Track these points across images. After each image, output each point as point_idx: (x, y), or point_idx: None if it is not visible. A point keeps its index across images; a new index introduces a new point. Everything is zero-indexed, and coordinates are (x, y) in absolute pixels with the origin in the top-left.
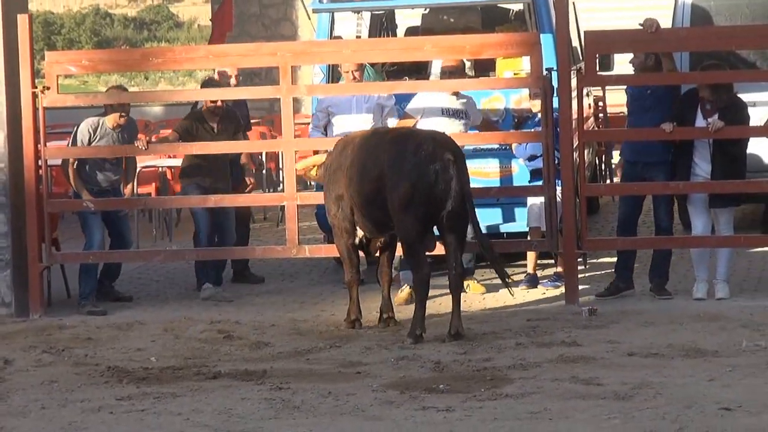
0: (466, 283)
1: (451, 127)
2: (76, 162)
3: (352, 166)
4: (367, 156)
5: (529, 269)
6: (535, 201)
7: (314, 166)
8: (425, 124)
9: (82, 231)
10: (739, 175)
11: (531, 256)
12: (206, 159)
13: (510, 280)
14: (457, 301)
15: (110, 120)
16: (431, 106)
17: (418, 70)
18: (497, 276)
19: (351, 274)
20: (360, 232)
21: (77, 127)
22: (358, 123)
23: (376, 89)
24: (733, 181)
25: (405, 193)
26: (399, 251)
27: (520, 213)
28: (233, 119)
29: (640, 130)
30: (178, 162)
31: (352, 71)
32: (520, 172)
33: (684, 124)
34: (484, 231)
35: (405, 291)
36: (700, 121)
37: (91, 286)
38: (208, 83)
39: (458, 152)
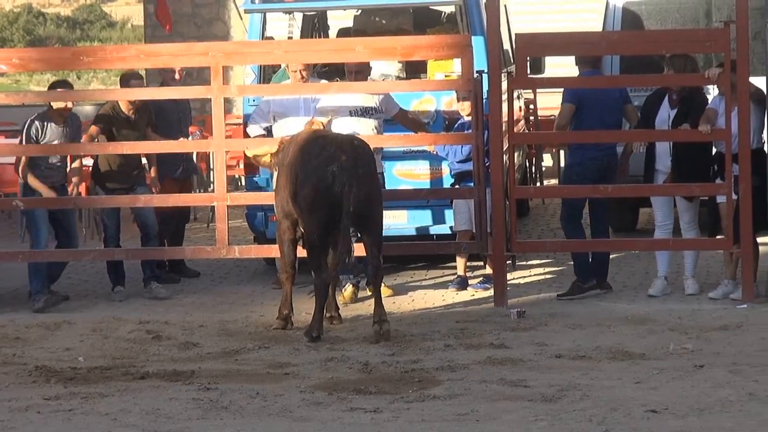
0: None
1: (359, 126)
2: (28, 159)
3: (288, 165)
4: (294, 157)
5: (459, 271)
6: (463, 204)
7: (267, 154)
8: (336, 124)
9: (27, 230)
10: (701, 170)
11: (461, 258)
12: (117, 162)
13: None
14: (377, 291)
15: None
16: (340, 105)
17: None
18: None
19: (286, 270)
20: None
21: (26, 126)
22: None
23: (307, 90)
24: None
25: (307, 195)
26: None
27: (450, 215)
28: (147, 111)
29: (566, 132)
30: None
31: (300, 70)
32: (450, 175)
33: (650, 118)
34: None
35: (348, 289)
36: (664, 112)
37: (42, 281)
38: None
39: (361, 153)
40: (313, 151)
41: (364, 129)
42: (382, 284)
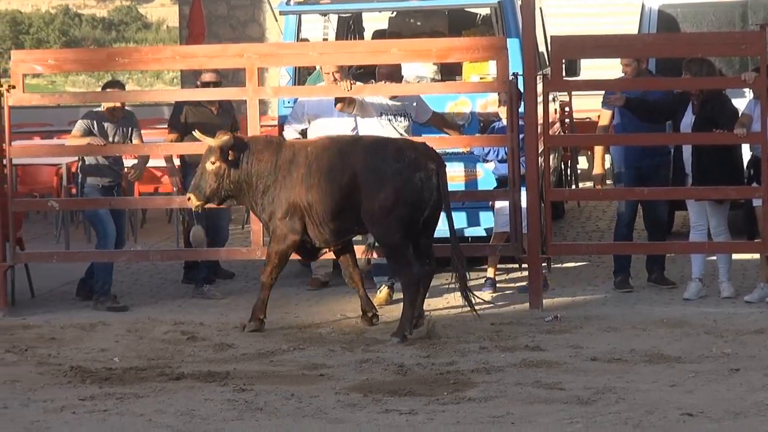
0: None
1: (388, 130)
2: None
3: (312, 175)
4: (333, 164)
5: (489, 274)
6: (504, 206)
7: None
8: (365, 126)
9: (93, 228)
10: (724, 174)
11: (492, 260)
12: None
13: (474, 299)
14: (423, 294)
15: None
16: (374, 106)
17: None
18: (462, 297)
19: (271, 277)
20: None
21: (78, 124)
22: (340, 126)
23: (342, 92)
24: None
25: (387, 198)
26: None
27: (485, 217)
28: (230, 112)
29: (603, 136)
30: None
31: (332, 72)
32: (485, 177)
33: (677, 123)
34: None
35: (384, 292)
36: (687, 116)
37: (107, 281)
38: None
39: (440, 161)
40: (386, 156)
41: (394, 133)
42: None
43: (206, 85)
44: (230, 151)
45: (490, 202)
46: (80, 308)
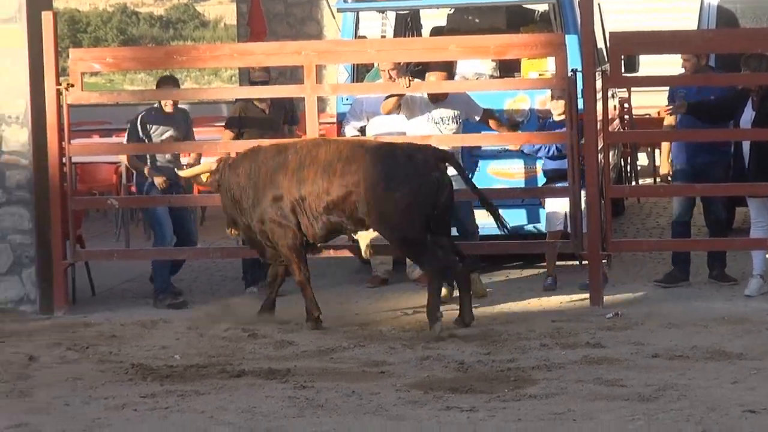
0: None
1: (437, 129)
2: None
3: (303, 168)
4: (331, 161)
5: (549, 271)
6: (556, 204)
7: (203, 173)
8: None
9: (151, 227)
10: None
11: (551, 257)
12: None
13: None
14: (468, 297)
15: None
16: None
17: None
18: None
19: (302, 272)
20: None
21: (132, 123)
22: (396, 124)
23: (399, 89)
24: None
25: (403, 198)
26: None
27: (545, 214)
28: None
29: (663, 132)
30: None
31: (388, 70)
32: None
33: (737, 119)
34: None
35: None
36: (747, 112)
37: (165, 279)
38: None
39: (451, 159)
40: (397, 159)
41: (442, 131)
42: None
43: (254, 83)
44: (204, 178)
45: (541, 200)
46: (140, 306)
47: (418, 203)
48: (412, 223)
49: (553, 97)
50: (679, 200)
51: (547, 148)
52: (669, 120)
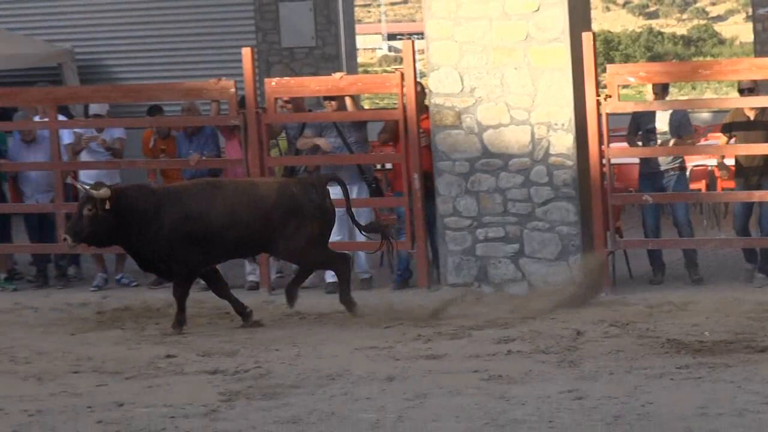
0: None
1: None
2: None
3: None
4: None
5: None
6: None
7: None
8: None
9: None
10: None
11: None
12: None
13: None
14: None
15: None
16: None
17: None
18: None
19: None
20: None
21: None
22: None
23: None
24: None
25: (313, 231)
26: None
27: None
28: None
29: None
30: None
31: None
32: None
33: None
34: None
35: None
36: None
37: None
38: None
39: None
40: (299, 196)
41: None
42: None
43: (741, 92)
44: (107, 202)
45: None
46: (665, 287)
47: (323, 233)
48: (317, 248)
49: None
50: None
51: None
52: None
